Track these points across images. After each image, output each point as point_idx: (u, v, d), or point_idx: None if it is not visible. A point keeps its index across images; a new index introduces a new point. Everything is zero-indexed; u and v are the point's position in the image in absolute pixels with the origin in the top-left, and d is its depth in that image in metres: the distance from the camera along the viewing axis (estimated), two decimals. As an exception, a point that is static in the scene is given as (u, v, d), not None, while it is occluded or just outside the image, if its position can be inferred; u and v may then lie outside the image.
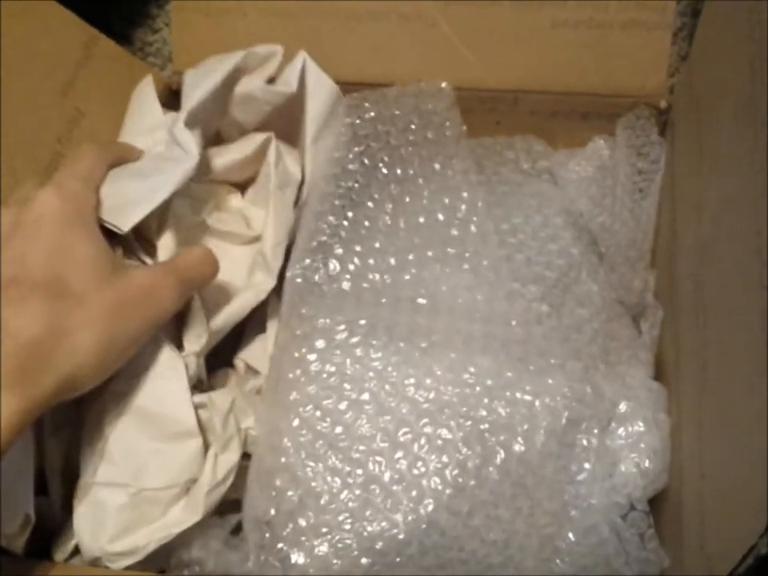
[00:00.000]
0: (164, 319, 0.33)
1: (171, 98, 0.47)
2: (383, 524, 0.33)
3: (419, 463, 0.34)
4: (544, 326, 0.39)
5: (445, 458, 0.35)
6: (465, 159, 0.43)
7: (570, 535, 0.35)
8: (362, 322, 0.38)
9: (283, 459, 0.35)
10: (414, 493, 0.34)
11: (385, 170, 0.42)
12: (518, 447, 0.35)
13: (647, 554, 0.33)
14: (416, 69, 0.45)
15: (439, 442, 0.35)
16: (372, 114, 0.41)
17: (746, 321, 0.27)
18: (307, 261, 0.39)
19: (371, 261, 0.40)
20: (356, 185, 0.40)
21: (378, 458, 0.35)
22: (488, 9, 0.44)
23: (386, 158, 0.41)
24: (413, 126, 0.42)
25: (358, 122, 0.41)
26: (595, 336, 0.39)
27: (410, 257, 0.40)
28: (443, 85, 0.43)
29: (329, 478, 0.34)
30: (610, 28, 0.44)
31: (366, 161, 0.41)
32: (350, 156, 0.41)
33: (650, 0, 0.43)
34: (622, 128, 0.46)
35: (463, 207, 0.42)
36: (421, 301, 0.39)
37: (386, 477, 0.34)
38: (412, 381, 0.37)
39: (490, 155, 0.46)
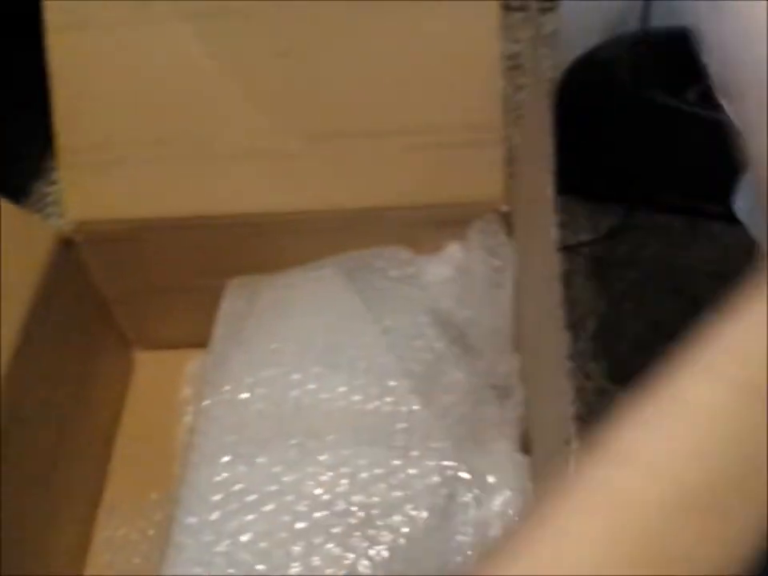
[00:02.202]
0: None
1: (64, 249, 0.51)
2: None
3: (312, 551, 0.37)
4: (418, 415, 0.43)
5: (337, 545, 0.38)
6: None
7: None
8: (264, 436, 0.42)
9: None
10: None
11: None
12: (404, 526, 0.39)
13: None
14: (287, 198, 0.51)
15: (333, 530, 0.39)
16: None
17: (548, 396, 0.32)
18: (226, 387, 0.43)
19: (268, 387, 0.44)
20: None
21: (279, 551, 0.38)
22: (345, 141, 0.51)
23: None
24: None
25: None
26: (462, 419, 0.43)
27: (296, 376, 0.45)
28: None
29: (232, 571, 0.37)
30: (450, 148, 0.51)
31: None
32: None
33: (481, 123, 0.50)
34: (473, 232, 0.52)
35: (340, 320, 0.47)
36: (309, 410, 0.43)
37: (284, 566, 0.37)
38: (309, 479, 0.40)
39: (360, 267, 0.51)
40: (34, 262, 0.49)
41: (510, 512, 0.40)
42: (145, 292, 0.58)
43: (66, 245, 0.52)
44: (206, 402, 0.44)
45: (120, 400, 0.60)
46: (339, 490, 0.40)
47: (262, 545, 0.38)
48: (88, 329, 0.57)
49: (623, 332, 0.61)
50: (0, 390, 0.43)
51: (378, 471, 0.40)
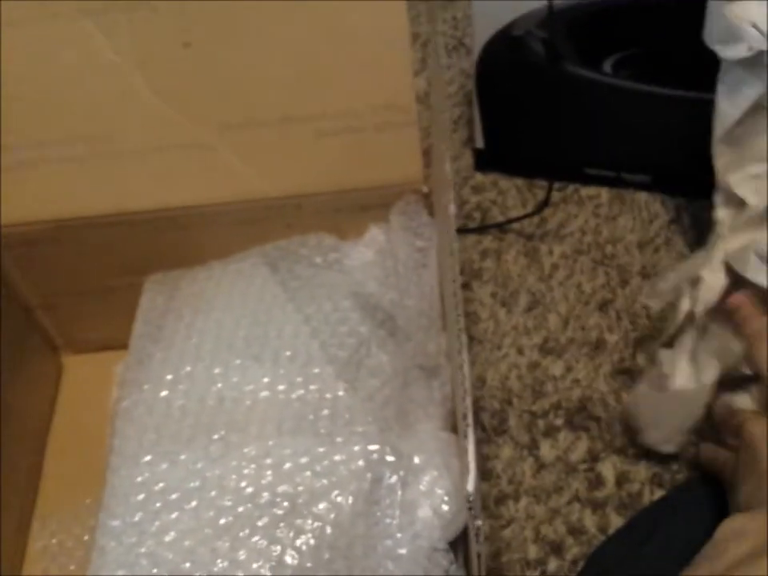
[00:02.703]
0: None
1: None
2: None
3: (238, 545, 0.37)
4: (343, 401, 0.43)
5: (263, 537, 0.38)
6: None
7: (390, 584, 0.38)
8: (186, 433, 0.41)
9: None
10: (237, 574, 0.37)
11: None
12: (330, 513, 0.39)
13: (454, 588, 0.37)
14: (202, 191, 0.50)
15: (259, 523, 0.38)
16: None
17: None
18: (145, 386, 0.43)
19: (189, 383, 0.44)
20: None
21: (203, 548, 0.37)
22: (257, 130, 0.50)
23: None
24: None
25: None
26: (388, 401, 0.43)
27: (217, 370, 0.44)
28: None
29: (156, 571, 0.36)
30: (366, 131, 0.50)
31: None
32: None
33: (394, 105, 0.50)
34: (395, 214, 0.52)
35: (262, 311, 0.46)
36: (232, 403, 0.43)
37: (210, 562, 0.37)
38: (233, 473, 0.40)
39: (285, 256, 0.51)
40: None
41: (438, 491, 0.40)
42: (68, 295, 0.57)
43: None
44: (124, 403, 0.43)
45: (50, 405, 0.59)
46: (264, 481, 0.39)
47: (187, 543, 0.37)
48: (13, 335, 0.55)
49: (554, 305, 0.62)
50: None
51: (302, 460, 0.40)
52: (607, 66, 0.63)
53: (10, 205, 0.51)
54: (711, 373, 0.47)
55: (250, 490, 0.39)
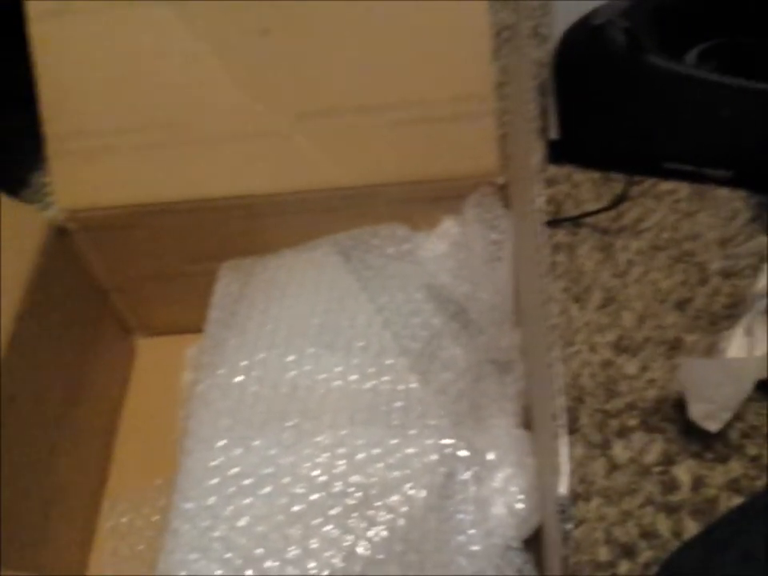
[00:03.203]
0: None
1: (58, 238, 0.51)
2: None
3: (310, 533, 0.37)
4: (415, 393, 0.42)
5: (335, 526, 0.37)
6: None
7: (463, 581, 0.37)
8: (260, 419, 0.41)
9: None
10: (309, 563, 0.36)
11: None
12: (402, 506, 0.38)
13: (527, 588, 0.36)
14: (276, 179, 0.50)
15: (331, 512, 0.38)
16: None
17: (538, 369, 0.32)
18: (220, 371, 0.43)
19: (262, 369, 0.44)
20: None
21: (276, 534, 0.37)
22: (334, 119, 0.50)
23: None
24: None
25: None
26: (461, 395, 0.42)
27: (291, 357, 0.44)
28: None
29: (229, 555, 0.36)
30: (441, 121, 0.49)
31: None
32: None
33: (471, 94, 0.49)
34: (469, 206, 0.51)
35: (334, 299, 0.46)
36: (305, 391, 0.43)
37: (282, 549, 0.37)
38: (306, 461, 0.40)
39: (356, 245, 0.51)
40: (27, 251, 0.49)
41: (512, 488, 0.39)
42: (142, 278, 0.58)
43: (60, 234, 0.52)
44: (200, 387, 0.43)
45: (122, 387, 0.60)
46: (336, 471, 0.39)
47: (259, 528, 0.37)
48: (87, 318, 0.56)
49: (629, 303, 0.60)
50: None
51: (375, 451, 0.40)
52: (691, 57, 0.61)
53: (88, 189, 0.52)
54: (764, 346, 0.46)
55: (322, 478, 0.39)
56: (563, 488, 0.25)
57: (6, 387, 0.44)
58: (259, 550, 0.37)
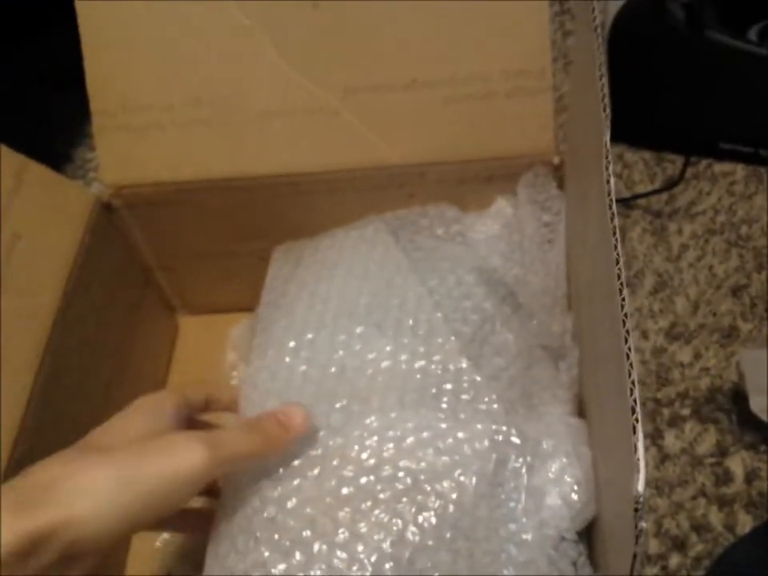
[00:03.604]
0: (186, 477, 0.32)
1: (103, 214, 0.51)
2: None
3: (359, 516, 0.36)
4: (466, 378, 0.41)
5: (384, 511, 0.37)
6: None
7: (511, 570, 0.36)
8: (308, 400, 0.41)
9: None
10: (358, 546, 0.36)
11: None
12: (452, 492, 0.37)
13: (582, 580, 0.35)
14: (324, 156, 0.49)
15: (381, 496, 0.37)
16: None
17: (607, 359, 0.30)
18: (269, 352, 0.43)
19: (311, 350, 0.43)
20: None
21: (325, 517, 0.37)
22: (383, 95, 0.49)
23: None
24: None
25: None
26: (513, 381, 0.41)
27: (340, 337, 0.43)
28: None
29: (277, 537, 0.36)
30: (496, 98, 0.48)
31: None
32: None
33: (528, 70, 0.48)
34: (522, 186, 0.49)
35: (383, 279, 0.45)
36: (354, 371, 0.42)
37: (331, 532, 0.36)
38: (354, 443, 0.39)
39: (405, 225, 0.50)
40: (73, 227, 0.49)
41: (567, 479, 0.38)
42: (187, 257, 0.57)
43: (105, 210, 0.51)
44: (249, 369, 0.42)
45: (165, 365, 0.60)
46: (385, 454, 0.38)
47: (308, 510, 0.37)
48: (131, 294, 0.56)
49: (683, 288, 0.58)
50: (42, 356, 0.43)
51: (424, 435, 0.39)
52: (753, 34, 0.59)
53: (133, 165, 0.51)
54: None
55: (371, 461, 0.38)
56: (640, 486, 0.24)
57: (51, 365, 0.44)
58: (307, 533, 0.36)
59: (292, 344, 0.42)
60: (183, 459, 0.32)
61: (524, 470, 0.38)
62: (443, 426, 0.39)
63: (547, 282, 0.48)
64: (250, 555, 0.36)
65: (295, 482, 0.38)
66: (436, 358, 0.42)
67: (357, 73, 0.49)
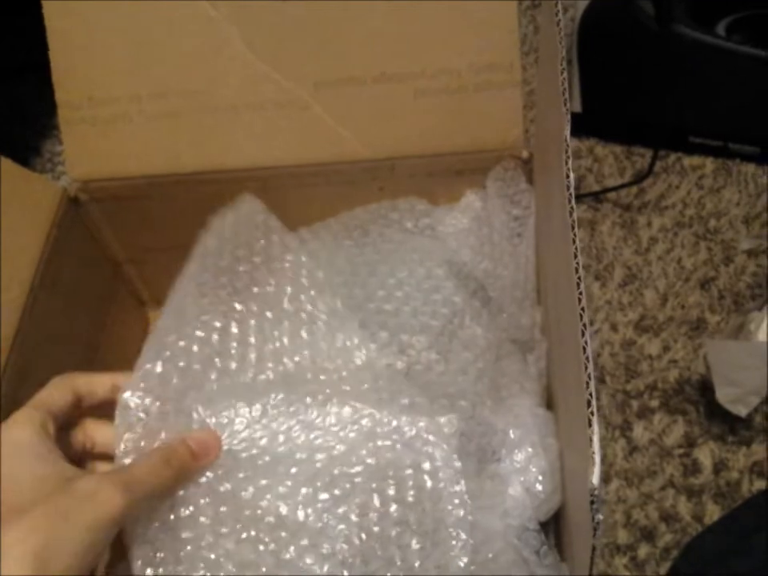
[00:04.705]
0: (108, 526, 0.32)
1: (71, 208, 0.50)
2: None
3: (319, 505, 0.36)
4: (433, 373, 0.41)
5: (342, 506, 0.37)
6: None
7: (479, 559, 0.37)
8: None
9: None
10: (323, 544, 0.36)
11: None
12: (417, 482, 0.37)
13: (547, 570, 0.36)
14: (295, 150, 0.49)
15: (336, 491, 0.37)
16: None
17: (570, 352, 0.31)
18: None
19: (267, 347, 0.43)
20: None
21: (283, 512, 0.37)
22: (354, 88, 0.48)
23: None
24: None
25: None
26: (481, 374, 0.41)
27: (303, 333, 0.43)
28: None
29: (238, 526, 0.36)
30: (465, 92, 0.48)
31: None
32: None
33: (498, 64, 0.48)
34: (492, 180, 0.49)
35: (352, 275, 0.45)
36: (310, 365, 0.42)
37: (292, 524, 0.36)
38: (326, 436, 0.39)
39: (375, 219, 0.50)
40: (40, 221, 0.48)
41: (532, 469, 0.38)
42: (156, 250, 0.57)
43: (73, 204, 0.51)
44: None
45: (135, 358, 0.59)
46: (351, 446, 0.38)
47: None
48: (100, 288, 0.56)
49: (652, 281, 0.59)
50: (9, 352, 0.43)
51: (391, 426, 0.39)
52: (720, 29, 0.59)
53: (101, 159, 0.50)
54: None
55: (337, 452, 0.38)
56: (595, 478, 0.24)
57: (20, 360, 0.43)
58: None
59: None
60: (103, 511, 0.32)
61: (489, 461, 0.38)
62: (408, 418, 0.39)
63: (517, 276, 0.48)
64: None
65: (263, 483, 0.38)
66: (404, 356, 0.42)
67: (327, 66, 0.48)
